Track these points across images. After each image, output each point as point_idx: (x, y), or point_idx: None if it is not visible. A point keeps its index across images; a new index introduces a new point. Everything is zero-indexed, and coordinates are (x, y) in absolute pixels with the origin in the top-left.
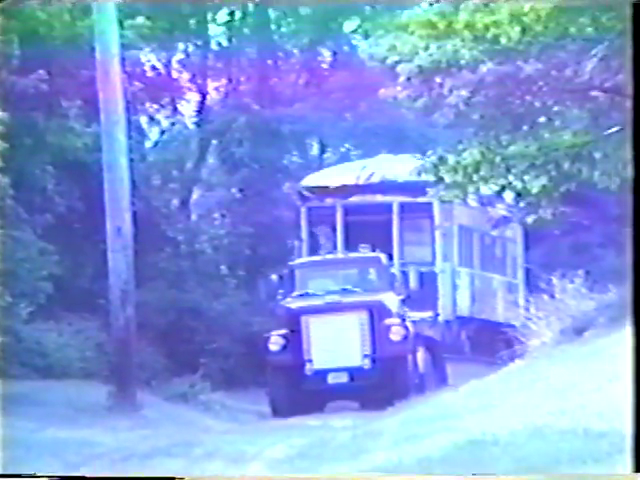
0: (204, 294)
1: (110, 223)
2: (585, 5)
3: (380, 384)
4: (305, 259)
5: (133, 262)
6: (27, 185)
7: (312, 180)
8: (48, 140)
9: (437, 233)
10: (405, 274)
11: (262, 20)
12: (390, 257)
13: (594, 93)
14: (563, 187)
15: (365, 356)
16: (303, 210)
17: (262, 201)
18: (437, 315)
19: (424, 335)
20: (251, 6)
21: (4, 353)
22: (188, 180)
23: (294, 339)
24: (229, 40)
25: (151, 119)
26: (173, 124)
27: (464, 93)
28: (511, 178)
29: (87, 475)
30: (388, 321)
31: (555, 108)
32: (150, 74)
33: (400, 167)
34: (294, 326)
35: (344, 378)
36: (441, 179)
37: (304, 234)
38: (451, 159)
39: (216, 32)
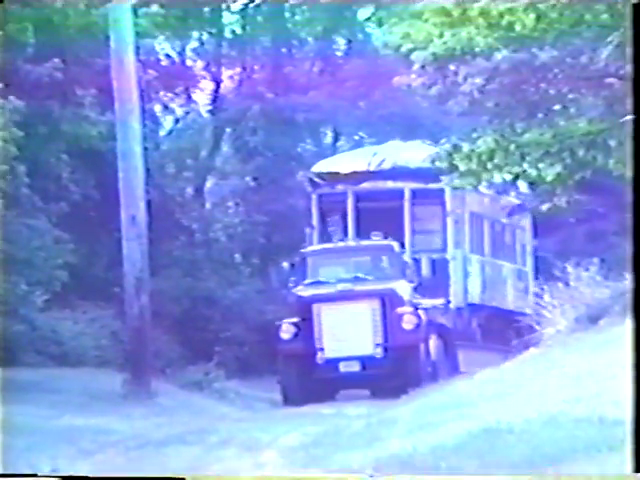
0: (218, 282)
1: (125, 211)
2: None
3: (392, 373)
4: (317, 246)
5: (148, 250)
6: (42, 173)
7: (323, 166)
8: (63, 128)
9: (449, 220)
10: (417, 262)
11: (276, 8)
12: (402, 244)
13: (609, 80)
14: (578, 175)
15: (377, 345)
16: (314, 197)
17: (276, 189)
18: (448, 302)
19: (436, 323)
20: None
21: (20, 341)
22: (202, 168)
23: (306, 327)
24: (243, 28)
25: (165, 107)
26: (187, 112)
27: (478, 81)
28: (526, 166)
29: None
30: (400, 310)
31: (570, 95)
32: (164, 62)
33: (411, 153)
34: (306, 314)
35: (356, 367)
36: (455, 167)
37: (315, 221)
38: (465, 147)
39: (230, 20)
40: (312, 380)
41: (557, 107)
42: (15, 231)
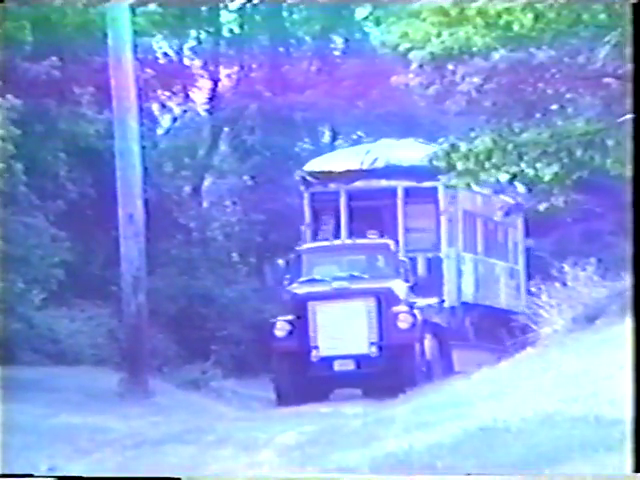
0: (215, 281)
1: (122, 210)
2: None
3: (387, 372)
4: (312, 244)
5: (145, 249)
6: (39, 172)
7: (315, 165)
8: (60, 127)
9: (442, 218)
10: (413, 260)
11: (274, 7)
12: (397, 243)
13: (607, 80)
14: (575, 175)
15: (372, 344)
16: (306, 195)
17: (273, 188)
18: (442, 301)
19: (431, 322)
20: None
21: (17, 339)
22: (200, 167)
23: (300, 325)
24: (241, 27)
25: (163, 106)
26: (185, 111)
27: (476, 80)
28: (523, 166)
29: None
30: (396, 309)
31: (568, 95)
32: (162, 61)
33: (404, 152)
34: (300, 312)
35: (350, 366)
36: (453, 166)
37: (307, 220)
38: (463, 146)
39: (228, 19)
40: (306, 378)
41: (555, 107)
42: (12, 229)
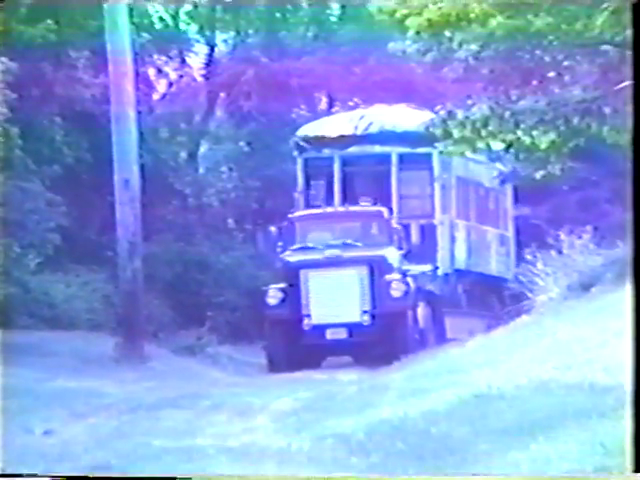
0: (211, 247)
1: (118, 175)
2: None
3: (379, 340)
4: (305, 212)
5: (140, 214)
6: (35, 136)
7: (309, 130)
8: (56, 91)
9: (436, 185)
10: (406, 227)
11: None
12: (390, 210)
13: (605, 47)
14: (572, 143)
15: (364, 312)
16: (300, 161)
17: (270, 155)
18: (436, 268)
19: (424, 290)
20: None
21: (13, 304)
22: (196, 133)
23: (292, 293)
24: None
25: (159, 71)
26: (181, 76)
27: (473, 47)
28: (520, 133)
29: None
30: (389, 277)
31: (565, 63)
32: (158, 26)
33: (399, 117)
34: (293, 280)
35: (343, 334)
36: (449, 134)
37: (300, 186)
38: (460, 114)
39: None
40: (298, 346)
41: (552, 74)
42: (8, 193)
